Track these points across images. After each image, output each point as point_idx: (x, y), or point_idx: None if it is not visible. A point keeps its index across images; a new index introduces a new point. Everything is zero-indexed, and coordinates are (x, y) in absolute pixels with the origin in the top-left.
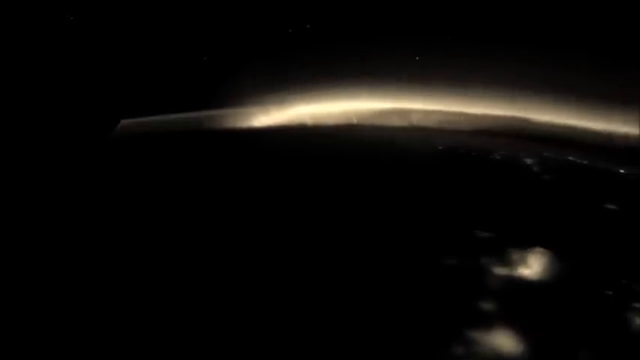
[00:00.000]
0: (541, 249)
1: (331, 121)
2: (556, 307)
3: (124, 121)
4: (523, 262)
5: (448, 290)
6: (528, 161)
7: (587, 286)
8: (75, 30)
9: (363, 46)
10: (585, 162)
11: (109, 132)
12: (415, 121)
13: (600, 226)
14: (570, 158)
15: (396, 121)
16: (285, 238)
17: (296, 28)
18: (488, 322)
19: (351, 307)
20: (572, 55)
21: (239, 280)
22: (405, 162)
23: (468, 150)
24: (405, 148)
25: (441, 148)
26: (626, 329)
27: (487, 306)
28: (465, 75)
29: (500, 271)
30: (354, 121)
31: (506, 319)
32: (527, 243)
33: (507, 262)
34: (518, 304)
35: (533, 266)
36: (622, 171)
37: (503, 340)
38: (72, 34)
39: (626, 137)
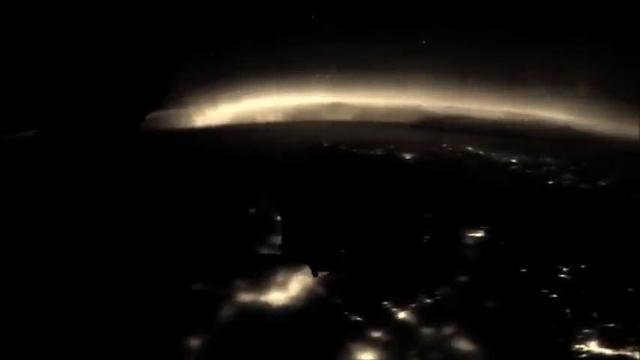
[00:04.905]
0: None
1: (265, 119)
2: (281, 343)
3: None
4: (284, 284)
5: (168, 320)
6: (407, 156)
7: (340, 311)
8: None
9: (295, 40)
10: (481, 152)
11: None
12: (356, 115)
13: (415, 233)
14: (469, 148)
15: (335, 116)
16: None
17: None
18: None
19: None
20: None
21: None
22: (267, 161)
23: (352, 146)
24: (291, 147)
25: (326, 145)
26: None
27: (194, 342)
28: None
29: (245, 297)
30: (288, 118)
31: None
32: (317, 261)
33: (263, 285)
34: (235, 340)
35: (292, 289)
36: (514, 161)
37: None
38: None
39: (539, 125)
